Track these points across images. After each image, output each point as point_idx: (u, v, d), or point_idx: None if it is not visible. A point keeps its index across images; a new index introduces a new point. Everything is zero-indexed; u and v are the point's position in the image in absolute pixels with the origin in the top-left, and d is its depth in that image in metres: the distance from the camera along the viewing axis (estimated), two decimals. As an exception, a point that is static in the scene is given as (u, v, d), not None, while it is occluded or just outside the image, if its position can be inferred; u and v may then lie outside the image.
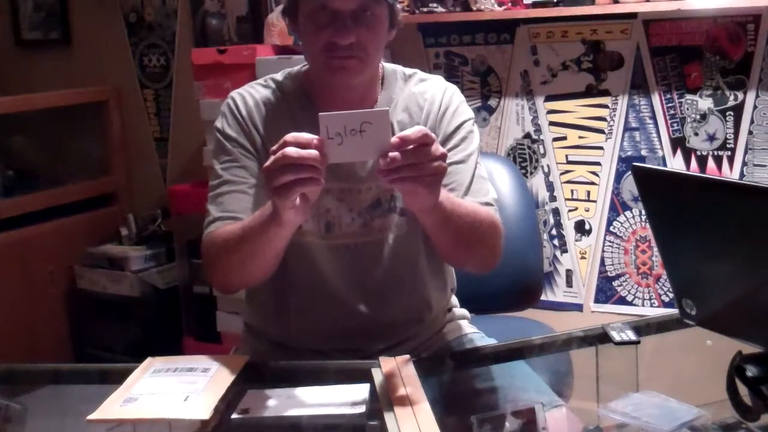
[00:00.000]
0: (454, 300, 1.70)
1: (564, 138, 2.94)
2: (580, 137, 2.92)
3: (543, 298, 2.72)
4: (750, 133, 2.67)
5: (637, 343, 1.37)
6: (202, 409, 1.17)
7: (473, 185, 1.49)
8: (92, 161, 3.79)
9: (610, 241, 2.93)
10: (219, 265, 1.45)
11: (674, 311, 1.19)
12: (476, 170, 1.51)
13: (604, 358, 1.39)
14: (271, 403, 1.23)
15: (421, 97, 1.54)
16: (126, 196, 3.76)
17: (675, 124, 2.77)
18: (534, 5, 2.80)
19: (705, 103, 2.71)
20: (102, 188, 3.74)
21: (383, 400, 1.20)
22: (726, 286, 1.08)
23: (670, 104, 2.77)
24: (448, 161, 1.28)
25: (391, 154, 1.19)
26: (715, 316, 1.12)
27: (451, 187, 1.45)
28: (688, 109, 2.74)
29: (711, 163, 2.74)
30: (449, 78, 2.17)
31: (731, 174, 2.71)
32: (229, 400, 1.23)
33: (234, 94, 1.55)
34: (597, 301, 2.97)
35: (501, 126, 3.03)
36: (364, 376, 1.28)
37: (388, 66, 1.58)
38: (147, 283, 3.39)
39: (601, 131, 2.88)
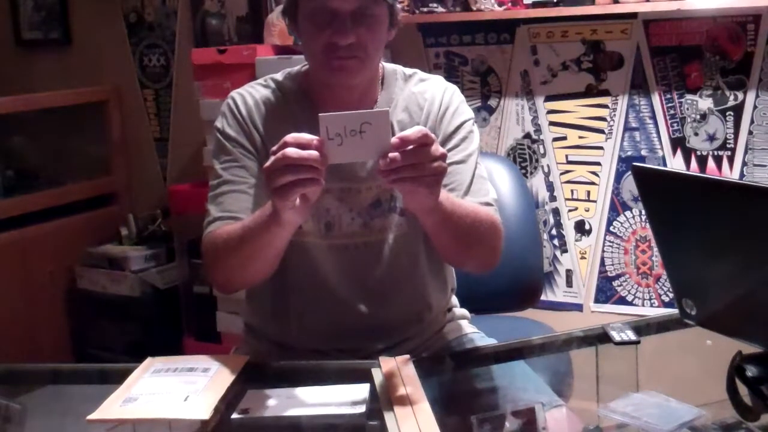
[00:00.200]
0: (454, 300, 1.70)
1: (564, 138, 2.94)
2: (580, 137, 2.92)
3: (543, 298, 2.72)
4: (750, 133, 2.67)
5: (637, 343, 1.37)
6: (202, 409, 1.17)
7: (473, 185, 1.49)
8: (92, 161, 3.79)
9: (610, 241, 2.93)
10: (219, 265, 1.45)
11: (674, 311, 1.20)
12: (476, 170, 1.51)
13: (604, 358, 1.39)
14: (271, 403, 1.23)
15: (421, 97, 1.54)
16: (126, 196, 3.76)
17: (675, 124, 2.77)
18: (534, 5, 2.80)
19: (705, 103, 2.71)
20: (102, 188, 3.74)
21: (383, 400, 1.20)
22: (726, 286, 1.08)
23: (670, 104, 2.77)
24: (448, 161, 1.28)
25: (391, 154, 1.19)
26: (715, 316, 1.12)
27: (451, 187, 1.45)
28: (688, 109, 2.74)
29: (711, 163, 2.74)
30: (449, 78, 2.17)
31: (731, 174, 2.71)
32: (229, 400, 1.23)
33: (234, 94, 1.55)
34: (597, 301, 2.97)
35: (501, 126, 3.03)
36: (364, 376, 1.28)
37: (388, 66, 1.58)
38: (147, 283, 3.39)
39: (601, 131, 2.88)
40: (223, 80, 2.89)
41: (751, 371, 1.09)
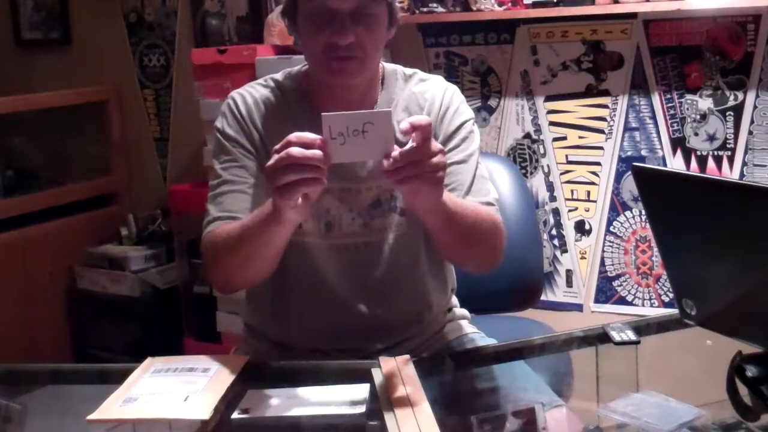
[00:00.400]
0: (454, 300, 1.70)
1: (564, 138, 2.94)
2: (580, 137, 2.92)
3: (543, 298, 2.72)
4: (750, 133, 2.67)
5: (637, 343, 1.37)
6: (202, 409, 1.17)
7: (474, 185, 1.49)
8: (92, 161, 3.79)
9: (610, 241, 2.93)
10: (219, 265, 1.45)
11: (674, 311, 1.20)
12: (477, 170, 1.51)
13: (604, 358, 1.39)
14: (271, 403, 1.23)
15: (421, 97, 1.54)
16: (126, 196, 3.76)
17: (675, 124, 2.77)
18: (534, 5, 2.80)
19: (705, 103, 2.71)
20: (102, 188, 3.74)
21: (383, 400, 1.20)
22: (726, 286, 1.08)
23: (670, 104, 2.77)
24: (449, 161, 1.28)
25: (393, 153, 1.19)
26: (715, 316, 1.12)
27: (452, 187, 1.45)
28: (688, 109, 2.74)
29: (711, 163, 2.74)
30: (449, 78, 2.17)
31: (731, 174, 2.71)
32: (229, 400, 1.23)
33: (234, 94, 1.55)
34: (597, 301, 2.97)
35: (501, 126, 3.03)
36: (364, 376, 1.28)
37: (388, 66, 1.58)
38: (147, 283, 3.38)
39: (601, 131, 2.88)
40: (223, 80, 2.90)
41: (751, 371, 1.09)
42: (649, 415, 1.17)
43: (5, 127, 3.62)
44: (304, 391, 1.26)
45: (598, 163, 2.90)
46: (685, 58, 2.72)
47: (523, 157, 3.01)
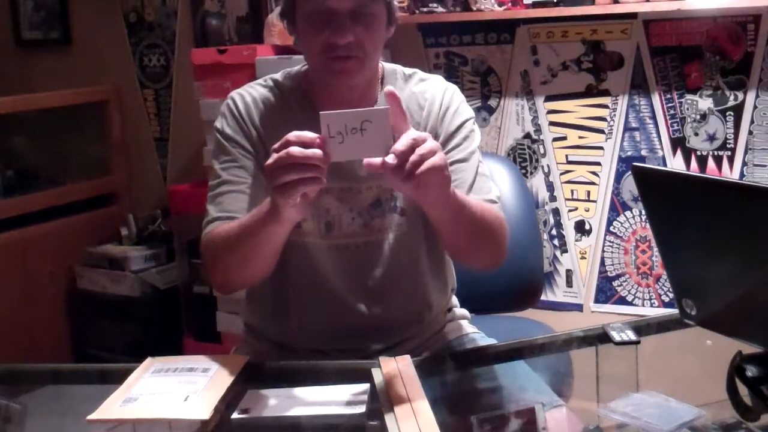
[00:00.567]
0: (455, 300, 1.70)
1: (564, 138, 2.94)
2: (580, 137, 2.92)
3: (543, 298, 2.72)
4: (750, 133, 2.67)
5: (637, 343, 1.37)
6: (202, 409, 1.17)
7: (476, 183, 1.49)
8: (92, 161, 3.79)
9: (610, 241, 2.93)
10: (218, 265, 1.45)
11: (674, 311, 1.19)
12: (479, 168, 1.51)
13: (604, 358, 1.39)
14: (271, 403, 1.23)
15: (421, 96, 1.54)
16: (126, 196, 3.76)
17: (675, 124, 2.77)
18: (534, 5, 2.80)
19: (705, 103, 2.71)
20: (102, 188, 3.74)
21: (383, 400, 1.20)
22: (726, 286, 1.08)
23: (670, 104, 2.77)
24: (450, 160, 1.27)
25: (394, 150, 1.19)
26: (715, 316, 1.12)
27: (454, 185, 1.44)
28: (688, 109, 2.74)
29: (711, 163, 2.74)
30: (449, 78, 2.17)
31: (731, 174, 2.71)
32: (229, 400, 1.23)
33: (233, 94, 1.55)
34: (597, 301, 2.97)
35: (501, 126, 3.03)
36: (364, 376, 1.28)
37: (388, 66, 1.58)
38: (147, 283, 3.39)
39: (601, 131, 2.88)
40: (223, 80, 2.90)
41: (751, 371, 1.09)
42: (649, 415, 1.17)
43: (5, 127, 3.62)
44: (304, 391, 1.26)
45: (598, 163, 2.90)
46: (685, 58, 2.72)
47: (523, 157, 3.01)
